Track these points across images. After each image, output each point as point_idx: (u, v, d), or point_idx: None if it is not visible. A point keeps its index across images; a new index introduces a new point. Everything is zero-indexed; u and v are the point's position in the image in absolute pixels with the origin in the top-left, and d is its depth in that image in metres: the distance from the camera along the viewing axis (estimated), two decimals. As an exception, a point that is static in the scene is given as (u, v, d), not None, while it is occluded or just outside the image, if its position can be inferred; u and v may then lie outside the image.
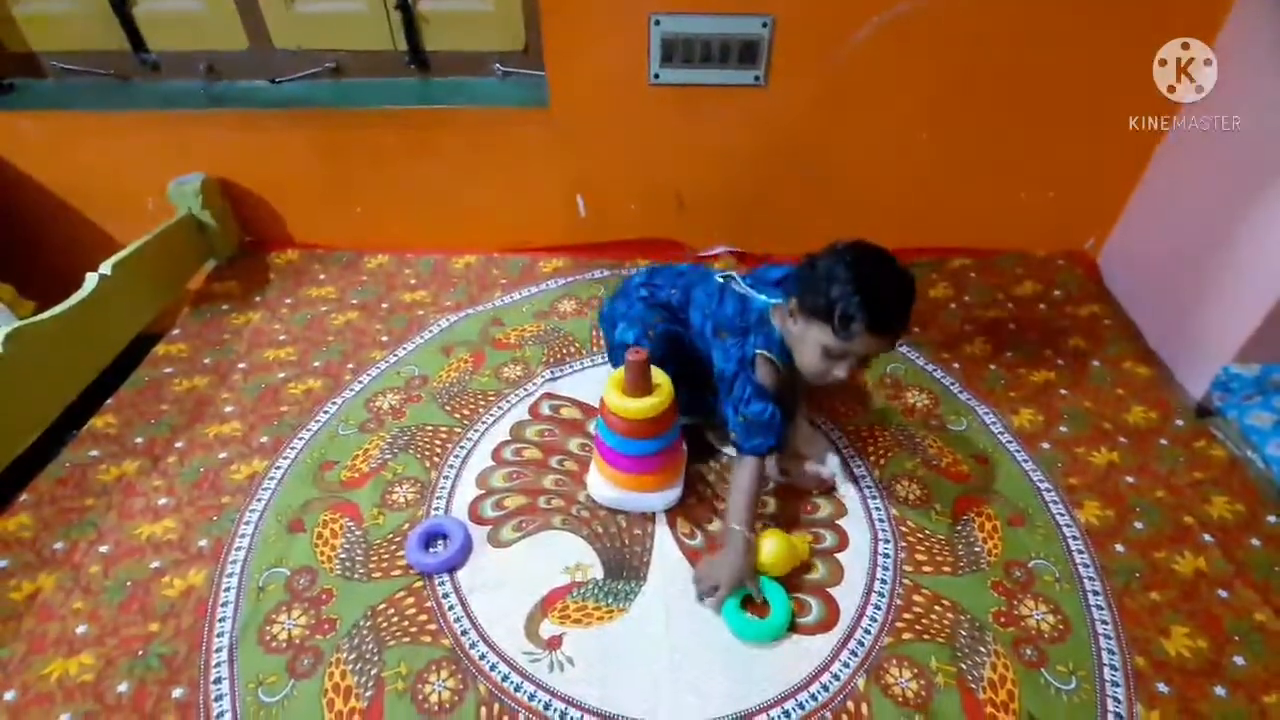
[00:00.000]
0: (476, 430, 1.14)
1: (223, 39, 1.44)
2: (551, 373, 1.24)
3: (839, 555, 0.95)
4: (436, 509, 1.02)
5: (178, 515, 1.01)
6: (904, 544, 0.96)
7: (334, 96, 1.46)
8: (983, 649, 0.84)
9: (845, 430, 1.13)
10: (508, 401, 1.19)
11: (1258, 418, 1.10)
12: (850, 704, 0.79)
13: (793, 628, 0.87)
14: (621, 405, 0.90)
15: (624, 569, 0.93)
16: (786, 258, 1.53)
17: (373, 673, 0.82)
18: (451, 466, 1.08)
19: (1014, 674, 0.82)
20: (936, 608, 0.89)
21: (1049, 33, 1.24)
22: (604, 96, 1.36)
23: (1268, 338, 1.11)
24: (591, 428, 1.14)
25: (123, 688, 0.81)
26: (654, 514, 1.00)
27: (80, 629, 0.87)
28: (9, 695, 0.81)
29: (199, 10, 1.41)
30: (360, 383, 1.24)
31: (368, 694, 0.80)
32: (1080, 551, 0.95)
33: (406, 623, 0.87)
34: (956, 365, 1.26)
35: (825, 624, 0.87)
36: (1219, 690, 0.80)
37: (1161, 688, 0.81)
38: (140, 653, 0.85)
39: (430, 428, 1.14)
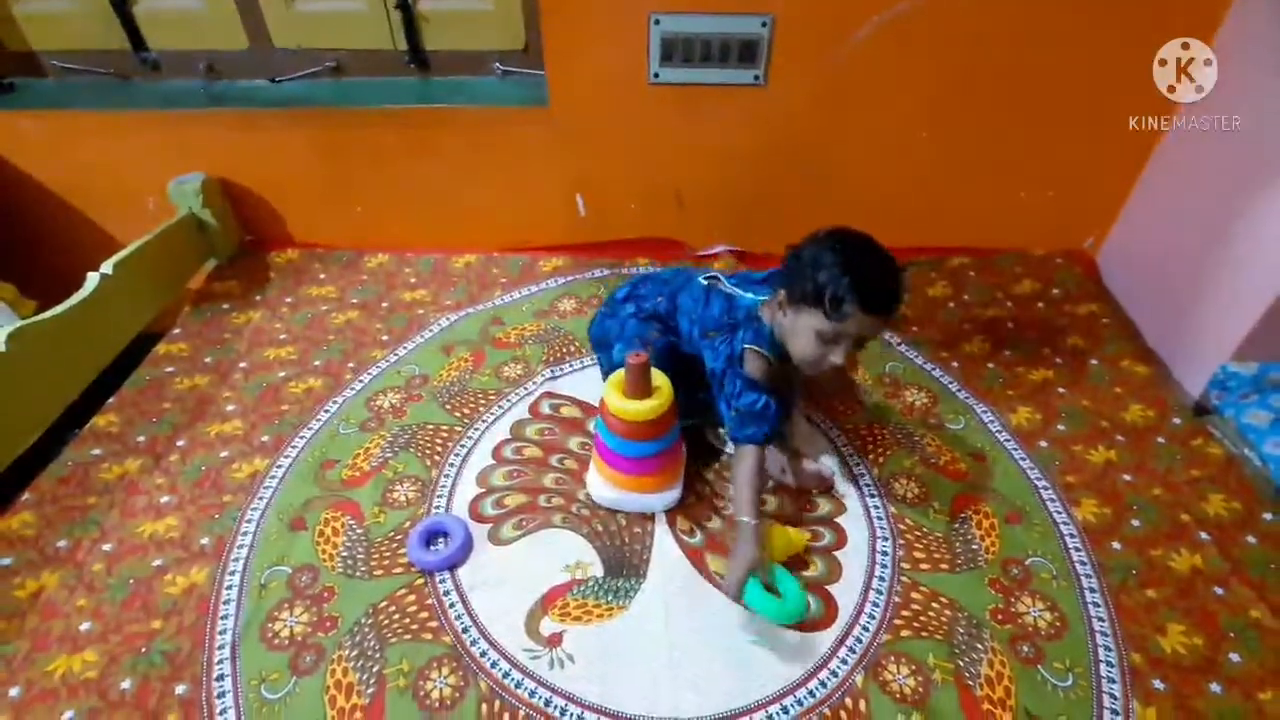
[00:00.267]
0: (477, 429, 1.15)
1: (223, 38, 1.44)
2: (551, 371, 1.25)
3: (837, 553, 0.96)
4: (437, 507, 1.02)
5: (180, 513, 1.02)
6: (902, 541, 0.97)
7: (334, 96, 1.47)
8: (980, 646, 0.85)
9: (844, 429, 1.14)
10: (508, 400, 1.20)
11: (1254, 416, 1.11)
12: (848, 701, 0.80)
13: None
14: (622, 407, 0.90)
15: (624, 567, 0.94)
16: (784, 257, 1.54)
17: (374, 670, 0.83)
18: (452, 465, 1.09)
19: (1011, 671, 0.82)
20: (934, 605, 0.89)
21: (1048, 32, 1.24)
22: (604, 96, 1.37)
23: (1265, 336, 1.11)
24: (591, 427, 1.14)
25: (126, 684, 0.82)
26: (653, 513, 1.00)
27: (84, 626, 0.88)
28: (13, 692, 0.81)
29: (199, 9, 1.41)
30: (361, 382, 1.24)
31: (369, 691, 0.81)
32: (1077, 549, 0.96)
33: (408, 620, 0.88)
34: (955, 364, 1.26)
35: (824, 621, 0.88)
36: (1215, 687, 0.81)
37: (1157, 684, 0.81)
38: (143, 650, 0.85)
39: (431, 426, 1.15)
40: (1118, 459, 1.08)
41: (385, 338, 1.34)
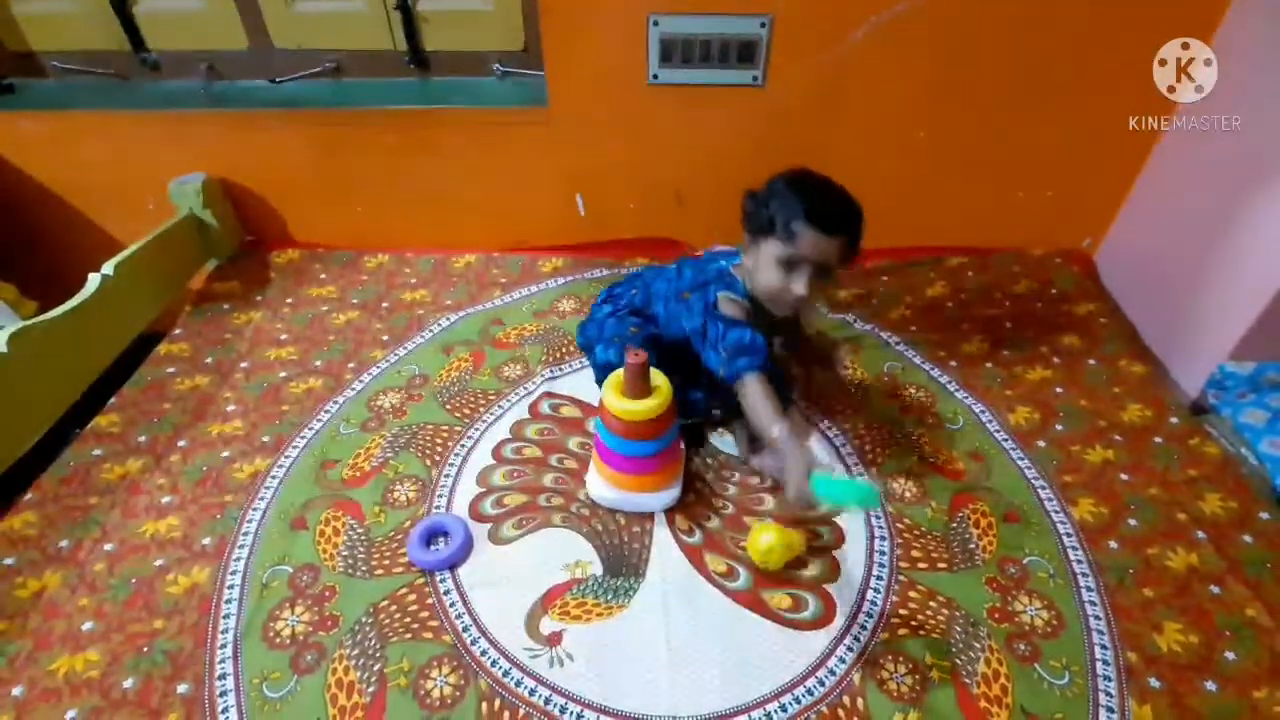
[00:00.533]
0: (477, 429, 1.15)
1: (223, 39, 1.44)
2: (551, 371, 1.25)
3: (835, 552, 0.96)
4: (437, 507, 1.03)
5: (181, 513, 1.02)
6: (900, 540, 0.97)
7: (334, 96, 1.47)
8: (977, 644, 0.85)
9: (842, 428, 1.14)
10: (508, 400, 1.20)
11: (1251, 415, 1.11)
12: (846, 698, 0.81)
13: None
14: (621, 407, 0.91)
15: (623, 566, 0.94)
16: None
17: (375, 668, 0.83)
18: (452, 465, 1.09)
19: (1008, 669, 0.83)
20: (932, 604, 0.90)
21: (1046, 32, 1.25)
22: (603, 96, 1.37)
23: (1262, 336, 1.11)
24: (590, 427, 1.15)
25: (128, 683, 0.83)
26: (653, 513, 1.01)
27: (86, 625, 0.88)
28: (16, 691, 0.82)
29: (199, 10, 1.41)
30: (361, 382, 1.25)
31: (370, 689, 0.81)
32: (1074, 548, 0.96)
33: (408, 619, 0.88)
34: (953, 363, 1.27)
35: (822, 620, 0.88)
36: (1210, 685, 0.81)
37: (1153, 682, 0.82)
38: (145, 649, 0.86)
39: (431, 426, 1.15)
40: (1115, 458, 1.08)
41: (385, 338, 1.34)
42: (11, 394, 1.04)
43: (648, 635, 0.87)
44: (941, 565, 0.94)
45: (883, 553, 0.96)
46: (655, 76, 1.33)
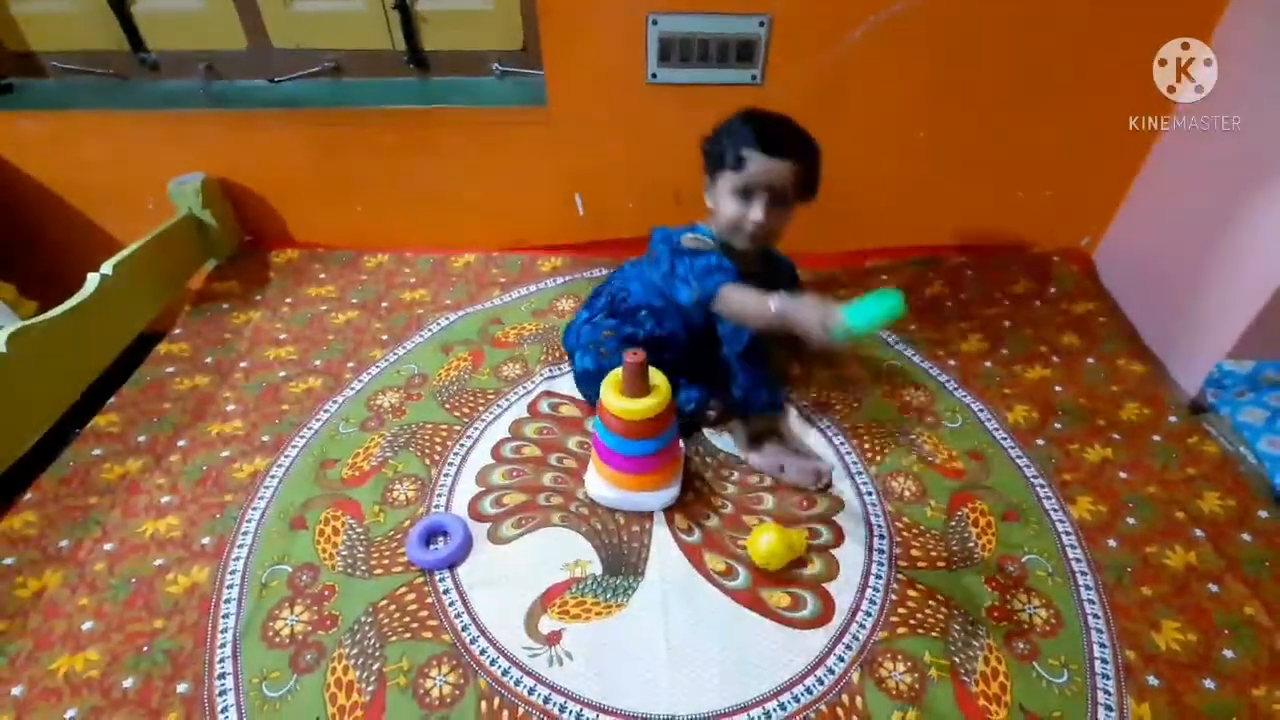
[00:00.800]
0: (476, 428, 1.15)
1: (221, 38, 1.44)
2: (550, 371, 1.25)
3: (834, 551, 0.96)
4: (437, 506, 1.03)
5: (181, 513, 1.02)
6: (899, 539, 0.97)
7: (333, 96, 1.47)
8: (976, 643, 0.85)
9: (842, 427, 1.14)
10: (507, 400, 1.20)
11: (1250, 414, 1.12)
12: (845, 697, 0.81)
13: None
14: (619, 406, 0.91)
15: (622, 565, 0.94)
16: (782, 255, 1.55)
17: (375, 668, 0.83)
18: (451, 464, 1.09)
19: (1006, 667, 0.83)
20: (930, 602, 0.90)
21: (1045, 31, 1.25)
22: (602, 96, 1.37)
23: (1260, 334, 1.12)
24: (589, 426, 1.15)
25: (128, 683, 0.83)
26: (652, 512, 1.01)
27: (86, 625, 0.88)
28: (16, 690, 0.82)
29: (198, 10, 1.41)
30: (360, 381, 1.25)
31: (370, 689, 0.81)
32: (1073, 547, 0.96)
33: (408, 618, 0.88)
34: (952, 362, 1.27)
35: (821, 619, 0.88)
36: (1208, 683, 0.81)
37: (1152, 681, 0.82)
38: (145, 648, 0.86)
39: (430, 426, 1.15)
40: (1114, 457, 1.08)
41: (385, 337, 1.34)
42: (11, 394, 1.04)
43: (647, 634, 0.87)
44: (940, 564, 0.94)
45: (881, 551, 0.96)
46: (654, 76, 1.33)
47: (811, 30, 1.27)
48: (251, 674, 0.83)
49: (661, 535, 0.98)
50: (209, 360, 1.30)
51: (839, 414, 1.17)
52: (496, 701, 0.80)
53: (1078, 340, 1.30)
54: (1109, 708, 0.80)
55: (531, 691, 0.81)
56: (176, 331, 1.36)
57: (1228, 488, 1.03)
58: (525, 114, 1.40)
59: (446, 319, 1.38)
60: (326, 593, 0.92)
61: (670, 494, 1.00)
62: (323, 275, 1.50)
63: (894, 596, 0.91)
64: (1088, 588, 0.91)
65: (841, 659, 0.84)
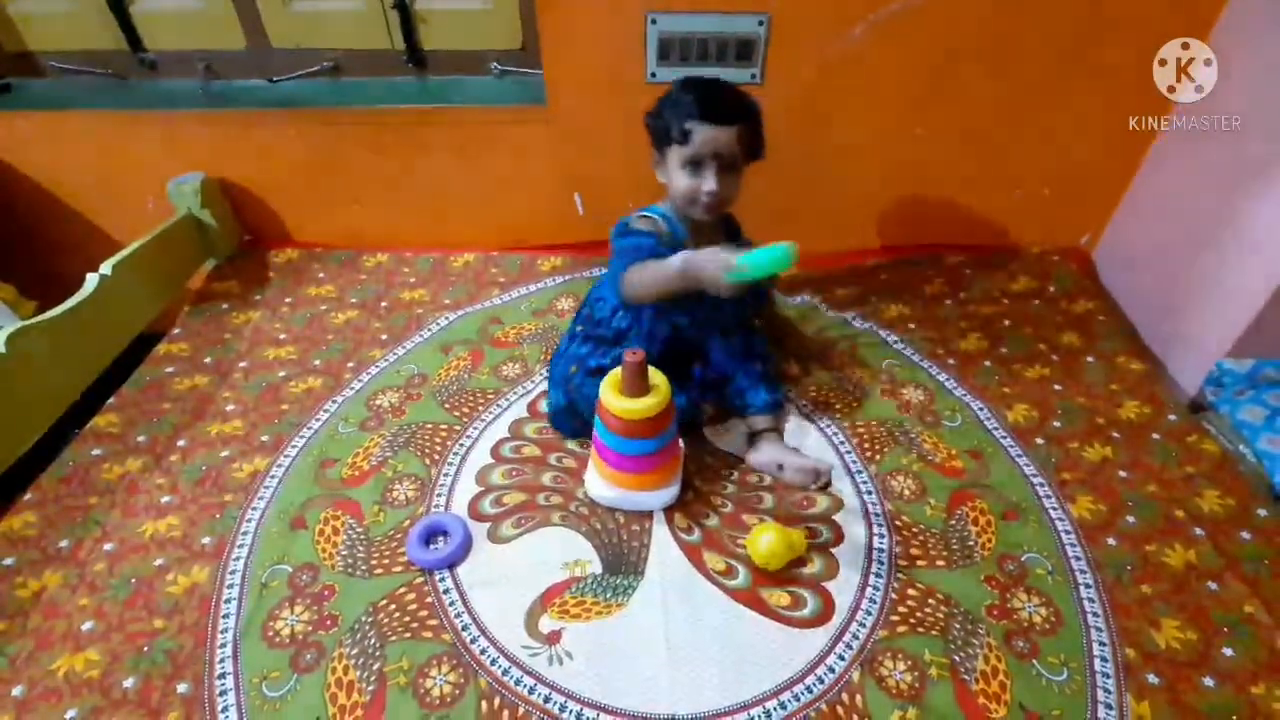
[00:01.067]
0: (476, 428, 1.15)
1: (220, 38, 1.44)
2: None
3: (834, 550, 0.96)
4: (437, 506, 1.03)
5: (181, 513, 1.02)
6: (899, 538, 0.97)
7: (332, 95, 1.47)
8: (975, 641, 0.85)
9: (841, 426, 1.14)
10: (506, 399, 1.20)
11: (1249, 412, 1.12)
12: (845, 696, 0.81)
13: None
14: (619, 405, 0.91)
15: (622, 564, 0.94)
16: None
17: (375, 667, 0.83)
18: (451, 464, 1.09)
19: (1006, 666, 0.83)
20: (930, 601, 0.90)
21: (1044, 30, 1.24)
22: (601, 95, 1.37)
23: (1260, 333, 1.12)
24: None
25: (129, 683, 0.83)
26: (652, 511, 1.01)
27: (86, 625, 0.88)
28: (16, 691, 0.82)
29: (196, 9, 1.41)
30: (360, 381, 1.25)
31: (370, 688, 0.81)
32: (1073, 545, 0.96)
33: (408, 618, 0.88)
34: (952, 361, 1.27)
35: (821, 618, 0.88)
36: (1208, 681, 0.81)
37: (1151, 679, 0.82)
38: (145, 648, 0.86)
39: (430, 425, 1.15)
40: (1113, 455, 1.08)
41: (384, 337, 1.34)
42: (10, 394, 1.04)
43: (647, 633, 0.87)
44: (940, 563, 0.94)
45: (881, 550, 0.96)
46: (654, 75, 1.32)
47: (811, 29, 1.26)
48: (252, 674, 0.83)
49: (661, 535, 0.98)
50: (208, 360, 1.30)
51: (838, 413, 1.17)
52: (497, 701, 0.80)
53: (1077, 339, 1.30)
54: (1109, 706, 0.80)
55: (532, 691, 0.81)
56: (176, 331, 1.36)
57: (1227, 486, 1.03)
58: (524, 113, 1.40)
59: (446, 319, 1.38)
60: (326, 592, 0.92)
61: (670, 493, 1.00)
62: (322, 275, 1.50)
63: (894, 595, 0.91)
64: (1087, 586, 0.91)
65: (841, 658, 0.84)
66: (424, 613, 0.89)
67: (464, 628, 0.88)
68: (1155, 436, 1.11)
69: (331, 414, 1.18)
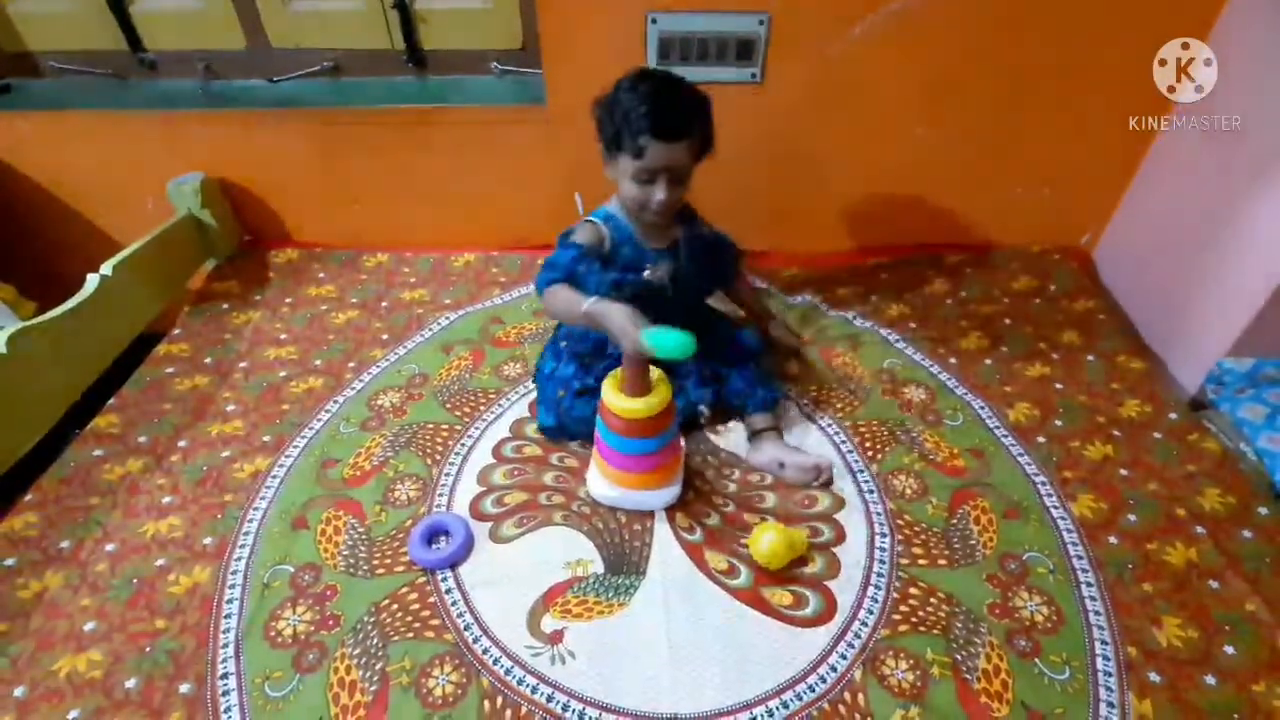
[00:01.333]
0: (477, 428, 1.15)
1: (220, 38, 1.44)
2: (551, 370, 1.25)
3: (836, 549, 0.96)
4: (438, 506, 1.03)
5: (182, 513, 1.02)
6: (900, 537, 0.97)
7: (332, 95, 1.47)
8: (977, 640, 0.85)
9: (843, 425, 1.14)
10: (508, 399, 1.20)
11: (1250, 411, 1.12)
12: (847, 695, 0.81)
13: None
14: (620, 405, 0.91)
15: (624, 564, 0.94)
16: (783, 254, 1.55)
17: (377, 667, 0.83)
18: (453, 464, 1.09)
19: (1008, 664, 0.83)
20: (932, 600, 0.90)
21: (1044, 29, 1.25)
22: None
23: (1260, 332, 1.12)
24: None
25: (131, 683, 0.83)
26: (653, 510, 1.01)
27: (88, 626, 0.88)
28: (19, 691, 0.82)
29: (196, 9, 1.41)
30: (361, 381, 1.25)
31: (373, 688, 0.81)
32: (1074, 544, 0.97)
33: (410, 618, 0.88)
34: (953, 360, 1.27)
35: (823, 617, 0.88)
36: (1209, 679, 0.82)
37: (1153, 677, 0.82)
38: (147, 649, 0.86)
39: (431, 425, 1.15)
40: (1114, 454, 1.09)
41: (385, 337, 1.34)
42: (11, 395, 1.04)
43: (649, 633, 0.87)
44: (942, 562, 0.94)
45: (883, 549, 0.96)
46: (654, 74, 1.32)
47: (811, 28, 1.26)
48: (254, 674, 0.83)
49: (663, 534, 0.98)
50: (209, 360, 1.29)
51: (840, 412, 1.17)
52: (499, 700, 0.80)
53: (1078, 338, 1.31)
54: (1111, 704, 0.80)
55: (534, 690, 0.81)
56: (176, 332, 1.36)
57: (1228, 485, 1.03)
58: (525, 113, 1.40)
59: (447, 318, 1.38)
60: (329, 592, 0.92)
61: (671, 493, 1.00)
62: (322, 275, 1.50)
63: (895, 594, 0.91)
64: (1089, 585, 0.92)
65: (844, 657, 0.84)
66: (426, 612, 0.89)
67: (466, 627, 0.88)
68: (1156, 435, 1.11)
69: (333, 414, 1.18)
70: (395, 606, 0.90)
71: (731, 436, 1.13)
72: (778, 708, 0.80)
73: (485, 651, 0.85)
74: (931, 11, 1.23)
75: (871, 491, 1.04)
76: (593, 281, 0.98)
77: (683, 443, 1.04)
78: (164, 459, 1.11)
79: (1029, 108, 1.34)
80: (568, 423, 1.09)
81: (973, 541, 0.97)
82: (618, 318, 0.89)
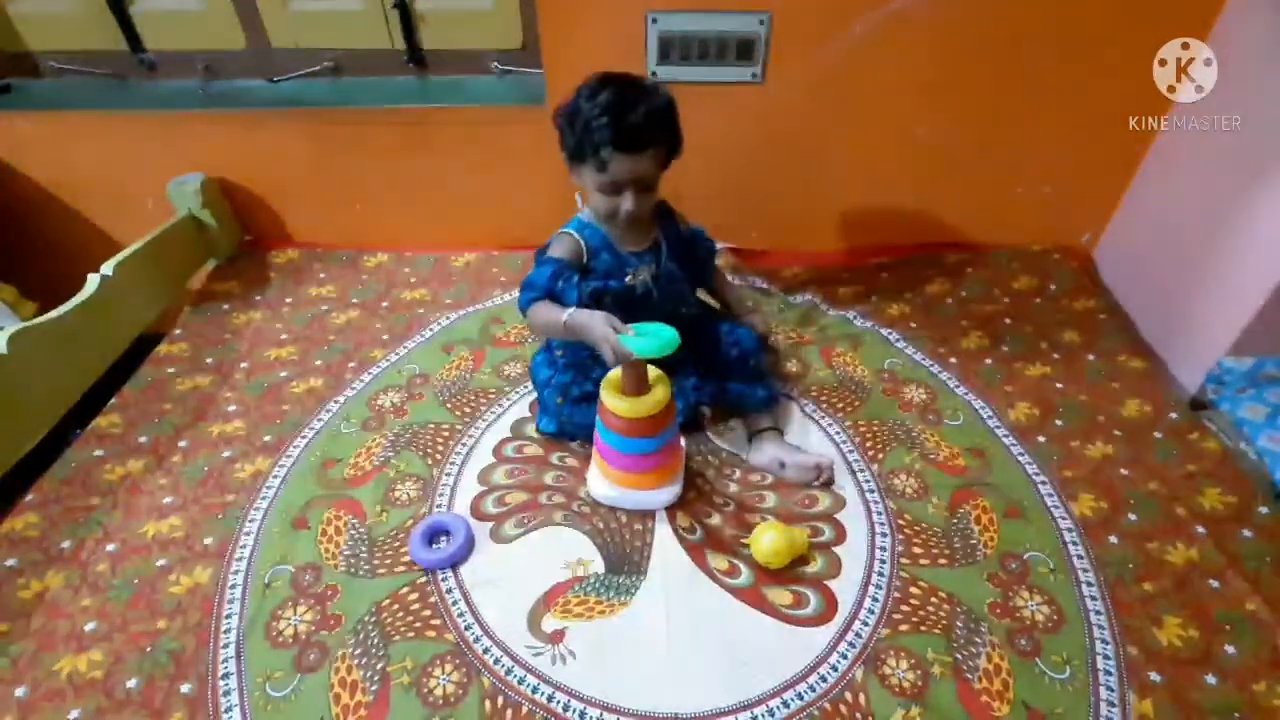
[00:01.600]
0: (478, 428, 1.15)
1: (220, 38, 1.44)
2: (551, 370, 1.25)
3: (837, 549, 0.96)
4: (439, 506, 1.03)
5: (183, 513, 1.02)
6: (901, 537, 0.98)
7: (332, 95, 1.47)
8: (978, 640, 0.85)
9: (844, 425, 1.14)
10: (508, 399, 1.20)
11: (1250, 410, 1.12)
12: (848, 695, 0.81)
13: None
14: (619, 405, 0.91)
15: (625, 563, 0.94)
16: (783, 254, 1.55)
17: (378, 667, 0.83)
18: (453, 464, 1.09)
19: (1009, 664, 0.83)
20: (933, 600, 0.90)
21: (1044, 29, 1.25)
22: (602, 94, 1.37)
23: (1261, 331, 1.12)
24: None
25: (132, 684, 0.83)
26: (654, 510, 1.01)
27: (89, 626, 0.88)
28: (20, 691, 0.82)
29: (196, 10, 1.41)
30: (362, 381, 1.25)
31: (374, 688, 0.82)
32: (1075, 543, 0.97)
33: (411, 618, 0.88)
34: (953, 360, 1.27)
35: (823, 616, 0.88)
36: (1210, 679, 0.82)
37: (1153, 676, 0.82)
38: (148, 649, 0.86)
39: (432, 425, 1.15)
40: (1115, 453, 1.09)
41: (386, 337, 1.34)
42: (12, 395, 1.04)
43: (649, 632, 0.87)
44: (943, 561, 0.94)
45: (884, 549, 0.96)
46: (654, 74, 1.33)
47: (811, 28, 1.27)
48: (255, 674, 0.83)
49: (663, 534, 0.98)
50: (210, 361, 1.30)
51: (840, 412, 1.17)
52: (500, 700, 0.80)
53: (1078, 337, 1.31)
54: (1111, 704, 0.80)
55: (535, 690, 0.81)
56: (177, 332, 1.36)
57: (1228, 484, 1.03)
58: (525, 113, 1.40)
59: (447, 318, 1.38)
60: (329, 593, 0.92)
61: (672, 492, 1.00)
62: (323, 275, 1.50)
63: (896, 594, 0.91)
64: (1089, 584, 0.92)
65: (844, 656, 0.84)
66: (427, 612, 0.89)
67: (467, 627, 0.88)
68: (1156, 434, 1.11)
69: (333, 414, 1.18)
70: (396, 606, 0.90)
71: (731, 436, 1.13)
72: (778, 707, 0.80)
73: (486, 651, 0.85)
74: (932, 11, 1.23)
75: (872, 491, 1.04)
76: (572, 294, 0.97)
77: (683, 443, 1.04)
78: (165, 459, 1.11)
79: (1029, 108, 1.34)
80: (568, 428, 1.10)
81: (973, 541, 0.97)
82: (597, 326, 0.89)
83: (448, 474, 1.07)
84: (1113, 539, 0.97)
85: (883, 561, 0.95)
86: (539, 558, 0.95)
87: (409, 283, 1.48)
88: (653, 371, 0.94)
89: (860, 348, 1.29)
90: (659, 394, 0.92)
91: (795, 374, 1.24)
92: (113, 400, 1.21)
